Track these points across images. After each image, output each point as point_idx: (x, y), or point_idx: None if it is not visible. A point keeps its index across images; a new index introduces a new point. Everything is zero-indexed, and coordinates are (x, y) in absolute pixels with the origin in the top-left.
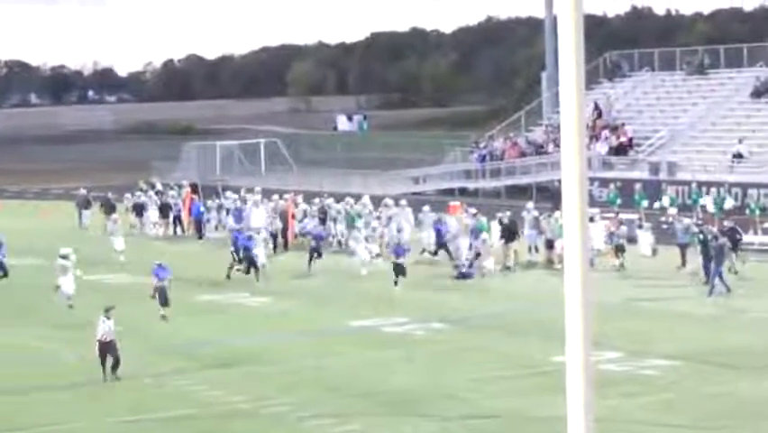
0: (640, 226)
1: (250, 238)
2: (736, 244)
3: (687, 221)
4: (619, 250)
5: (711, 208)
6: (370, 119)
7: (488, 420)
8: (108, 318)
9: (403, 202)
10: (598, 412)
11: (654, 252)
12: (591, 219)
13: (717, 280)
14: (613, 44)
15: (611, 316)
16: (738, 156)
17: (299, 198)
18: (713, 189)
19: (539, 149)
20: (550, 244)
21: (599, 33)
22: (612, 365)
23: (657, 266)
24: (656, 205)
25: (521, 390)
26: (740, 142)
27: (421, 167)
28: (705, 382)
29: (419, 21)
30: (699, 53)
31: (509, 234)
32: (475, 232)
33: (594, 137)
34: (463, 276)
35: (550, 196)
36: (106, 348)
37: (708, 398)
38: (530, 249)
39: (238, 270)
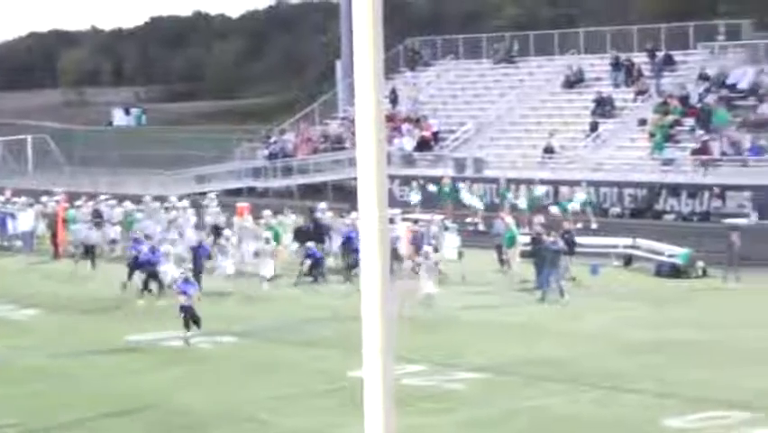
0: (446, 228)
1: (154, 251)
2: (571, 248)
3: (508, 220)
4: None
5: (523, 206)
6: (150, 112)
7: None
8: None
9: (184, 204)
10: (399, 430)
11: (461, 255)
12: (392, 221)
13: (553, 285)
14: (415, 30)
15: (415, 325)
16: (549, 151)
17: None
18: (523, 187)
19: (335, 144)
20: (346, 249)
21: (400, 18)
22: (415, 379)
23: (465, 270)
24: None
25: (319, 407)
26: (551, 135)
27: (206, 165)
28: (515, 397)
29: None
30: (507, 40)
31: (304, 237)
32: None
33: (396, 130)
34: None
35: (346, 195)
36: None
37: (518, 413)
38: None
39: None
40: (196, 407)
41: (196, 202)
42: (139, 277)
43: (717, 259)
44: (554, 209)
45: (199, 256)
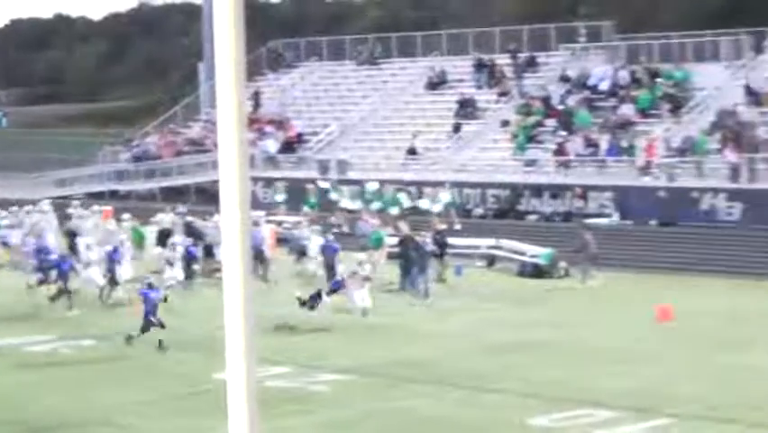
0: (313, 230)
1: (64, 259)
2: (443, 250)
3: (373, 221)
4: (301, 255)
5: (393, 210)
6: (11, 115)
7: None
8: None
9: (45, 207)
10: (262, 432)
11: None
12: (256, 223)
13: (420, 287)
14: (278, 32)
15: (280, 327)
16: (412, 152)
17: None
18: (387, 188)
19: (198, 147)
20: (209, 251)
21: (262, 20)
22: (280, 381)
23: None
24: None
25: (182, 410)
26: (414, 137)
27: (68, 168)
28: (378, 398)
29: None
30: (371, 42)
31: (166, 240)
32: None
33: (259, 132)
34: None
35: (209, 198)
36: None
37: (381, 414)
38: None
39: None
40: (56, 411)
41: (59, 205)
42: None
43: (579, 259)
44: (425, 203)
45: (113, 261)
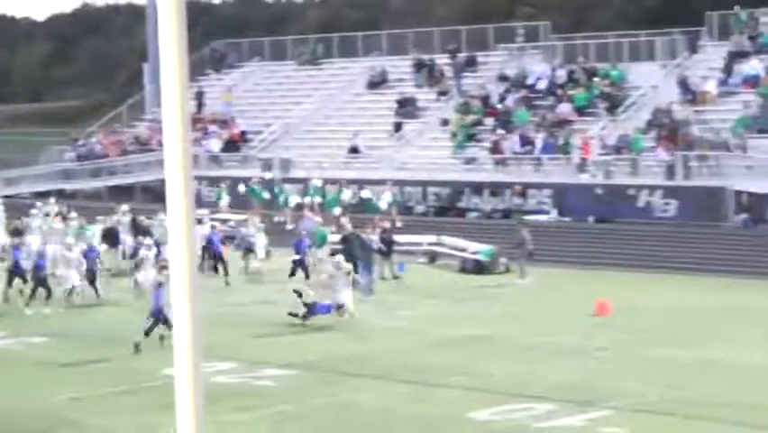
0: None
1: (41, 256)
2: (390, 248)
3: (317, 219)
4: (248, 252)
5: (337, 209)
6: None
7: None
8: None
9: None
10: (210, 428)
11: (268, 254)
12: (200, 221)
13: (363, 283)
14: (220, 33)
15: (226, 323)
16: (354, 151)
17: None
18: (329, 186)
19: (143, 146)
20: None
21: (205, 21)
22: (225, 377)
23: (275, 269)
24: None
25: (131, 406)
26: (356, 136)
27: (14, 168)
28: (324, 393)
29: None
30: (312, 42)
31: (112, 238)
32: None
33: (203, 131)
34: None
35: (155, 196)
36: None
37: (327, 408)
38: (124, 255)
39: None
40: (3, 407)
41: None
42: (26, 284)
43: (517, 255)
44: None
45: (91, 259)
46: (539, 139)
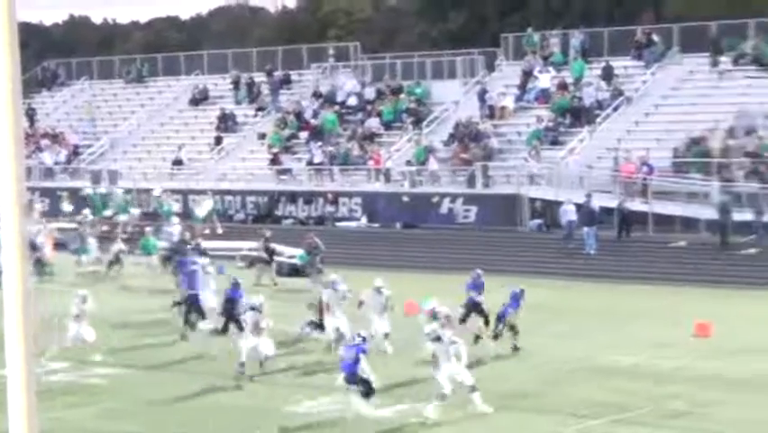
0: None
1: None
2: (271, 256)
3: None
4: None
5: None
6: None
7: None
8: None
9: None
10: (43, 425)
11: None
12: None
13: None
14: (51, 53)
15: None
16: (178, 163)
17: None
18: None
19: None
20: None
21: (37, 42)
22: (55, 375)
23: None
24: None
25: None
26: (180, 149)
27: None
28: (153, 390)
29: None
30: (138, 62)
31: None
32: None
33: (35, 145)
34: None
35: None
36: None
37: (157, 404)
38: None
39: None
40: None
41: None
42: None
43: (331, 259)
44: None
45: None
46: (354, 150)
